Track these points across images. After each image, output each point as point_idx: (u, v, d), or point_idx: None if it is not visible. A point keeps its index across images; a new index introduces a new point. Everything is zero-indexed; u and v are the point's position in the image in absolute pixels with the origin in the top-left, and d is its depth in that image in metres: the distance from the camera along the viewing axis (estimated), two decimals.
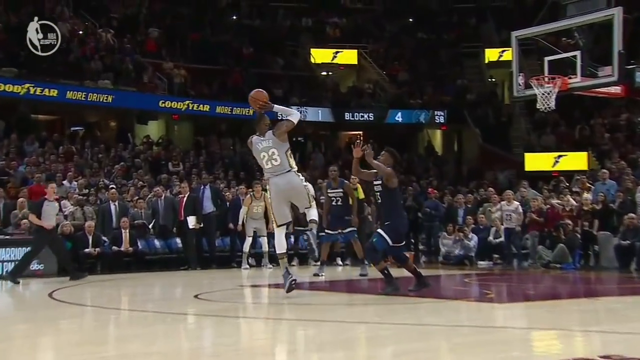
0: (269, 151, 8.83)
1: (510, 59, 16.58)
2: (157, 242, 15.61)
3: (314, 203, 9.21)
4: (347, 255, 15.62)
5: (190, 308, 8.87)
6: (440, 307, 8.63)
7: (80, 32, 22.73)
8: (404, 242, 9.51)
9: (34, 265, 13.23)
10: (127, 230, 14.69)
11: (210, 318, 7.88)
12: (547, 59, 15.24)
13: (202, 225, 15.28)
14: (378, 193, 9.21)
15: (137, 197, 16.18)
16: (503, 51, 26.30)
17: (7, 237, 14.03)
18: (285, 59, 27.64)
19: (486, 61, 28.68)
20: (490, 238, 16.00)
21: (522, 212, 15.61)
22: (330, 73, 28.63)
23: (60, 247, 13.04)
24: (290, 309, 8.44)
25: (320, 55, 28.37)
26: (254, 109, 9.21)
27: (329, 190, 12.89)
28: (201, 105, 23.23)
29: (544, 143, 23.87)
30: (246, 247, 15.01)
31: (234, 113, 23.32)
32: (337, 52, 28.55)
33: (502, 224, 15.79)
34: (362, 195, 13.83)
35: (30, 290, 11.91)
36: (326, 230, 12.95)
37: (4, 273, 13.03)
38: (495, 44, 28.30)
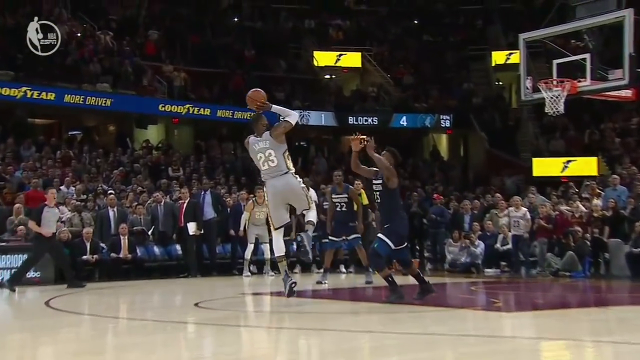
0: (265, 152, 8.72)
1: (518, 62, 16.65)
2: (156, 249, 15.50)
3: (313, 205, 9.08)
4: (351, 262, 15.47)
5: (190, 316, 8.82)
6: (446, 316, 8.54)
7: (79, 34, 22.57)
8: (407, 244, 9.43)
9: (31, 273, 13.17)
10: (126, 237, 14.60)
11: (210, 327, 7.84)
12: (555, 61, 15.27)
13: (202, 232, 15.18)
14: (377, 193, 9.08)
15: (136, 203, 16.07)
16: (510, 54, 26.14)
17: (4, 243, 13.91)
18: (288, 62, 27.44)
19: (493, 64, 28.36)
20: (498, 245, 15.78)
21: (530, 219, 15.31)
22: (333, 76, 28.44)
23: (60, 253, 12.98)
24: (292, 317, 8.44)
25: (323, 58, 28.14)
26: (251, 109, 9.04)
27: (333, 196, 12.75)
28: (202, 109, 23.03)
29: (553, 148, 23.59)
30: (247, 254, 14.90)
31: (235, 117, 23.07)
32: (340, 55, 28.29)
33: (509, 231, 15.55)
34: (366, 201, 13.68)
35: (26, 298, 11.98)
36: (330, 237, 12.80)
37: (1, 280, 12.92)
38: (502, 46, 28.14)
